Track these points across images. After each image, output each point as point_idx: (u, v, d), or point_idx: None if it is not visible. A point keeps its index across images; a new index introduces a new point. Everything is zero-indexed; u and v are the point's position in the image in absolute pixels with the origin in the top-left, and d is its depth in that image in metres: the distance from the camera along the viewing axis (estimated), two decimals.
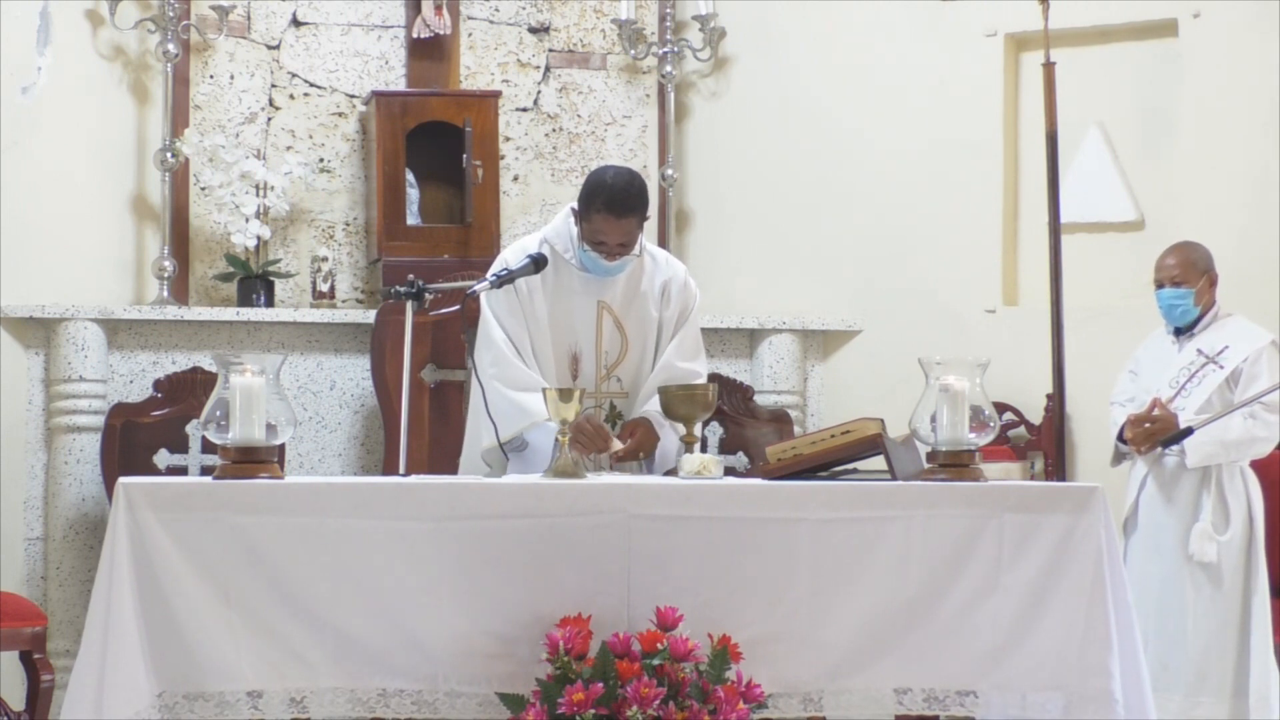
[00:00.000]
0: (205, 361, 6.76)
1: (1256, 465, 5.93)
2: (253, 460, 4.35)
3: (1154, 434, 5.84)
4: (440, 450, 6.50)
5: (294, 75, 7.30)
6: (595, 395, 5.21)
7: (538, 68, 7.54)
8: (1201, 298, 5.98)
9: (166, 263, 6.94)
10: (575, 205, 5.17)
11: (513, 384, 5.09)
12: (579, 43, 7.58)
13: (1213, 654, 5.79)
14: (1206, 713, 5.76)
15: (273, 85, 7.29)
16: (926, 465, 4.66)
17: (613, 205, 5.04)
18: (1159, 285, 6.01)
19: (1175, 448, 5.82)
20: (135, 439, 6.61)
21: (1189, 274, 5.97)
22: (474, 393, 5.21)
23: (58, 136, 6.84)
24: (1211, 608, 5.80)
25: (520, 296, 5.17)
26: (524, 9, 7.52)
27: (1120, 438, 6.01)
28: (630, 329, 5.26)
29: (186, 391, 6.65)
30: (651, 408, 5.17)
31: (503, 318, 5.16)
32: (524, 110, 7.51)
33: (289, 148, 7.23)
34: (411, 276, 5.08)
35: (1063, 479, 6.36)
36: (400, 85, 7.29)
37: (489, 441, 5.07)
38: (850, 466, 4.74)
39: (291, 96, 7.30)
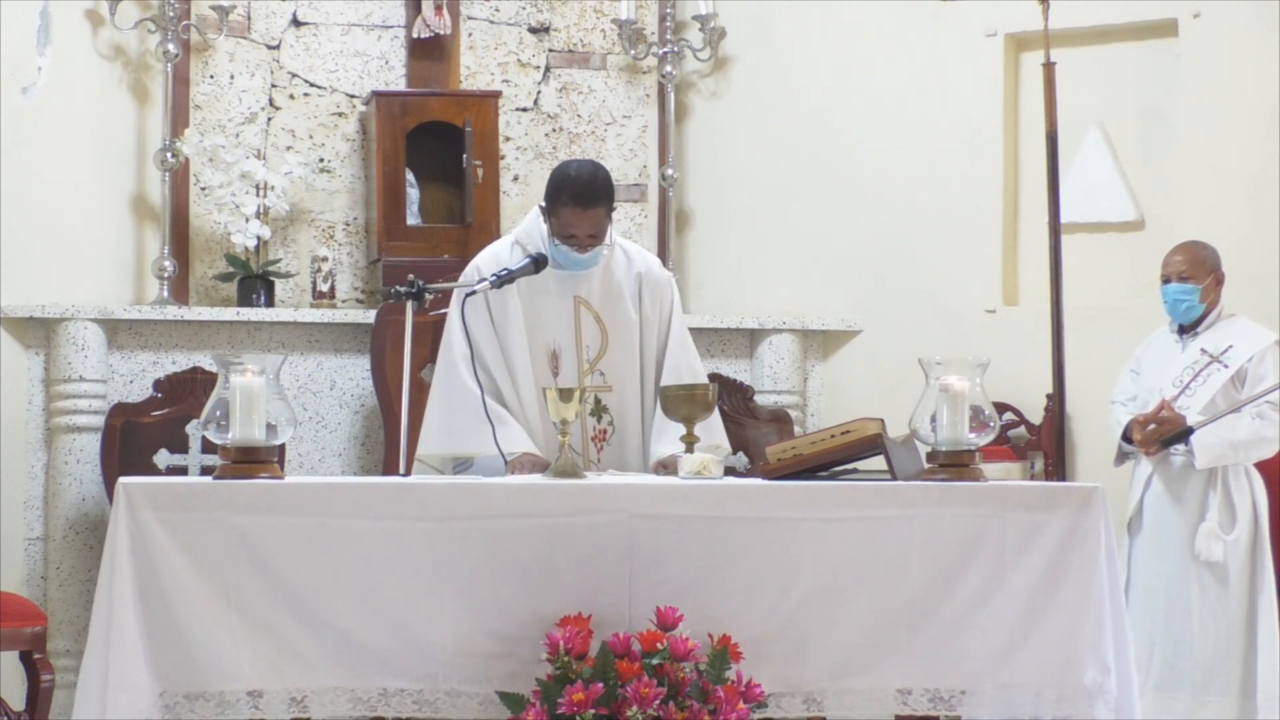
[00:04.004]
0: (205, 361, 6.76)
1: (1260, 464, 5.93)
2: (253, 460, 4.36)
3: (1162, 435, 5.83)
4: None
5: (294, 75, 7.30)
6: (578, 390, 5.23)
7: (538, 68, 7.54)
8: (1207, 295, 5.98)
9: (166, 263, 6.94)
10: (542, 204, 5.21)
11: (457, 406, 5.13)
12: (579, 43, 7.58)
13: (1220, 654, 5.79)
14: (1213, 713, 5.77)
15: (273, 85, 7.28)
16: (926, 465, 4.66)
17: (579, 197, 5.08)
18: (1165, 280, 6.00)
19: (1183, 447, 5.82)
20: (135, 439, 6.61)
21: (1196, 270, 5.97)
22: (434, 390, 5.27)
23: (58, 136, 6.83)
24: (1218, 607, 5.80)
25: (490, 300, 5.19)
26: (524, 9, 7.52)
27: (1124, 437, 6.00)
28: (609, 322, 5.28)
29: (186, 391, 6.65)
30: (667, 448, 5.17)
31: (470, 325, 5.14)
32: (524, 110, 7.51)
33: (289, 148, 7.23)
34: (411, 276, 5.08)
35: (1063, 479, 6.36)
36: (400, 85, 7.29)
37: (425, 449, 5.19)
38: (850, 466, 4.74)
39: (291, 96, 7.30)
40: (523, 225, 5.32)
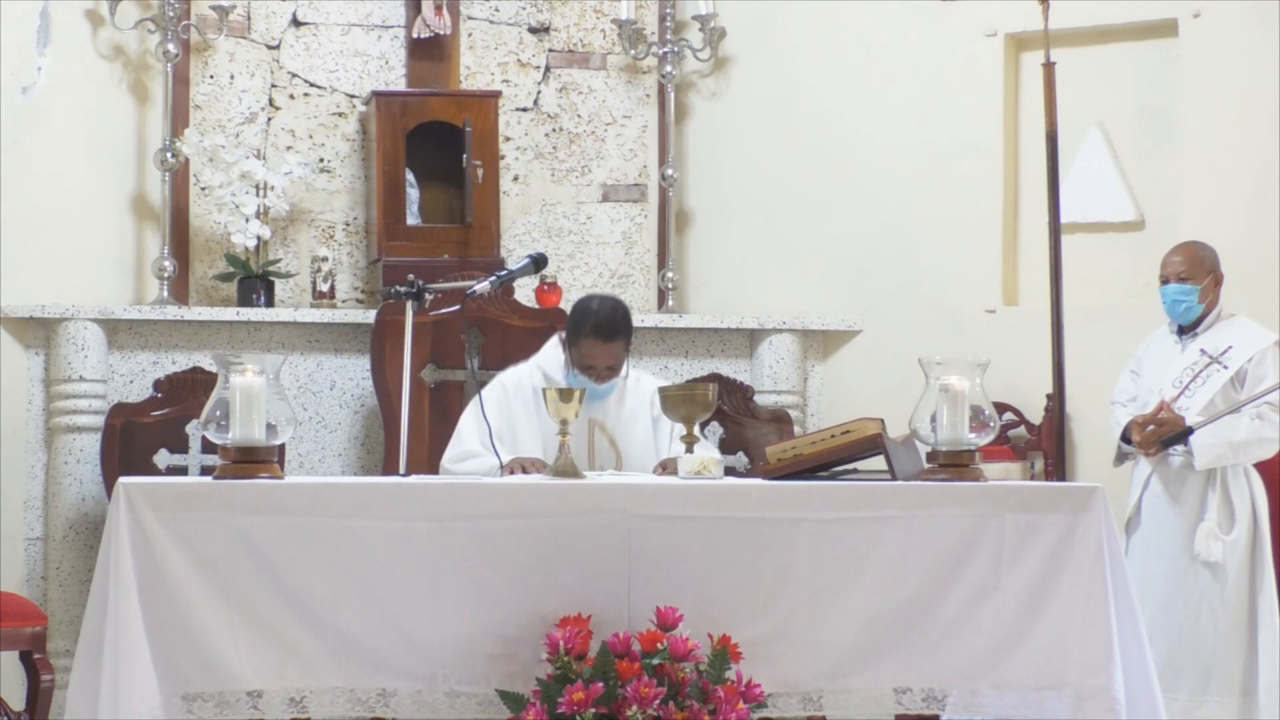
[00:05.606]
0: (205, 361, 6.76)
1: (1260, 464, 5.93)
2: (253, 460, 4.36)
3: (1161, 435, 5.83)
4: (440, 450, 6.49)
5: (294, 75, 7.30)
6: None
7: (538, 68, 7.53)
8: (1206, 296, 5.98)
9: (166, 263, 6.94)
10: (562, 335, 5.45)
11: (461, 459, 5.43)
12: (579, 43, 7.58)
13: (1219, 653, 5.79)
14: (1211, 712, 5.76)
15: (273, 85, 7.29)
16: (926, 465, 4.66)
17: (600, 330, 5.35)
18: (1164, 281, 6.00)
19: (1182, 448, 5.82)
20: (135, 439, 6.61)
21: (1195, 271, 5.97)
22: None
23: (58, 136, 6.83)
24: (1218, 607, 5.80)
25: (513, 406, 5.44)
26: (524, 9, 7.52)
27: (1123, 438, 6.00)
28: (622, 443, 5.49)
29: (186, 391, 6.65)
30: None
31: (489, 413, 5.30)
32: (524, 110, 7.51)
33: (289, 148, 7.23)
34: (411, 276, 5.10)
35: (1063, 479, 6.35)
36: (400, 85, 7.29)
37: None
38: (850, 466, 4.74)
39: (291, 96, 7.30)
40: (544, 351, 5.60)
